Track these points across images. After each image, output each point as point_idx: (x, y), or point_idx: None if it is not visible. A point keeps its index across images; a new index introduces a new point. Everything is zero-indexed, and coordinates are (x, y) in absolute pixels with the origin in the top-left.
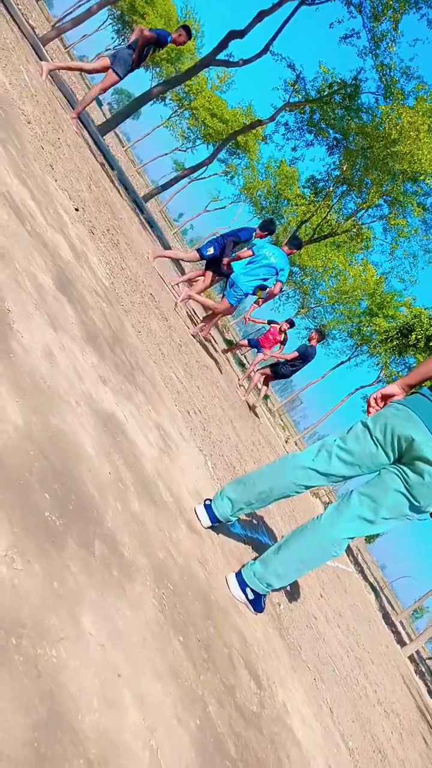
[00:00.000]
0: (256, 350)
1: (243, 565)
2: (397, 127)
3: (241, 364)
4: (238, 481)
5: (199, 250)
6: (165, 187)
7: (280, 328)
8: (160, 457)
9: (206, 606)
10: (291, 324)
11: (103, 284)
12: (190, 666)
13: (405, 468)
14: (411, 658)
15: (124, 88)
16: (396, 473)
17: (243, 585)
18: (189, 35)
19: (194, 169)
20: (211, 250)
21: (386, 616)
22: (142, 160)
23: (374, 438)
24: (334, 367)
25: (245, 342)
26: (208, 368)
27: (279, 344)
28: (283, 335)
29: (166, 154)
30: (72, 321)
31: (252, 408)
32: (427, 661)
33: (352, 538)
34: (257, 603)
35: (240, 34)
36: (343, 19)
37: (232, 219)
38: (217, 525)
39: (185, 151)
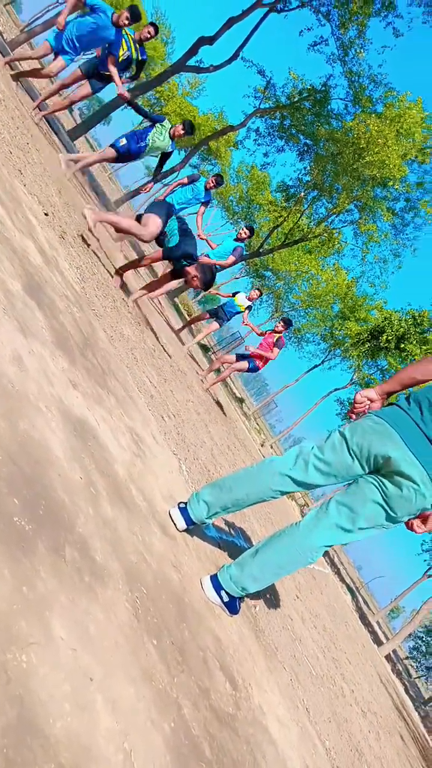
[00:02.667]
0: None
1: (219, 568)
2: (366, 135)
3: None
4: (214, 485)
5: (113, 145)
6: (137, 192)
7: (274, 330)
8: (132, 462)
9: (180, 609)
10: (287, 322)
11: (73, 289)
12: (163, 669)
13: (383, 479)
14: (388, 657)
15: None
16: (374, 484)
17: (218, 587)
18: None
19: (166, 174)
20: (123, 141)
21: (363, 617)
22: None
23: (351, 450)
24: (308, 371)
25: (234, 363)
26: (182, 372)
27: (276, 348)
28: (276, 336)
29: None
30: (42, 326)
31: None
32: (404, 660)
33: (330, 546)
34: (232, 605)
35: (210, 40)
36: (312, 27)
37: (204, 224)
38: (192, 527)
39: (157, 156)
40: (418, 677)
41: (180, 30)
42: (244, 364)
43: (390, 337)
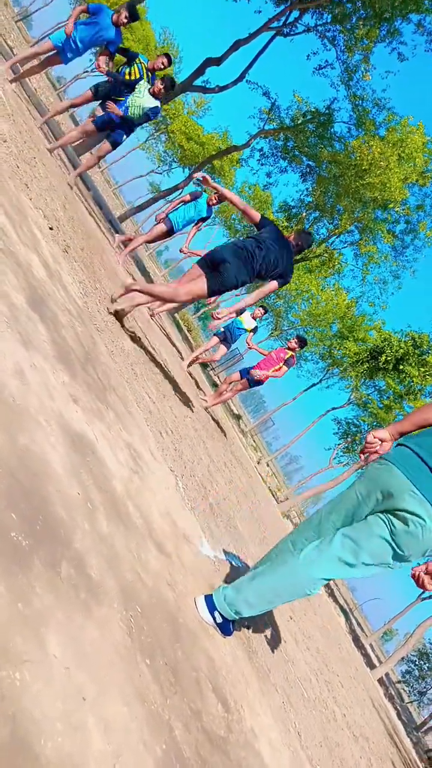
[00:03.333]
0: (247, 377)
1: (214, 588)
2: (368, 157)
3: (214, 385)
4: (243, 580)
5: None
6: (141, 208)
7: (288, 347)
8: (130, 478)
9: (174, 629)
10: (302, 341)
11: (76, 303)
12: (156, 689)
13: (391, 516)
14: (380, 681)
15: None
16: (382, 519)
17: (212, 608)
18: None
19: (170, 191)
20: (100, 112)
21: (356, 639)
22: (117, 181)
23: (357, 493)
24: (306, 389)
25: (235, 377)
26: (180, 388)
27: (283, 364)
28: (289, 353)
29: (143, 176)
30: (44, 339)
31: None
32: (396, 684)
33: (329, 579)
34: (225, 627)
35: (217, 61)
36: (318, 51)
37: (206, 242)
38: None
39: (161, 173)
40: (410, 702)
41: (187, 50)
42: (246, 383)
43: (389, 358)
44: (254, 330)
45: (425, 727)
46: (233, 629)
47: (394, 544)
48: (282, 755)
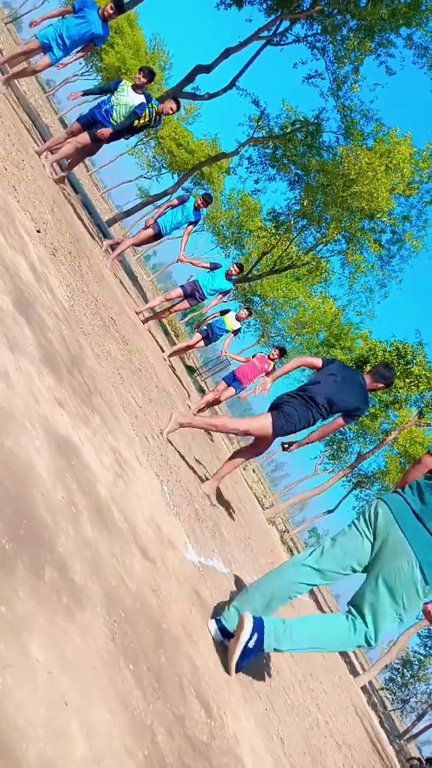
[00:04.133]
0: (232, 385)
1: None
2: (356, 167)
3: (201, 390)
4: (242, 594)
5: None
6: (129, 213)
7: (269, 356)
8: (115, 482)
9: (158, 634)
10: (282, 351)
11: (63, 306)
12: (139, 695)
13: (385, 575)
14: (364, 688)
15: None
16: (384, 585)
17: (261, 635)
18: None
19: (159, 197)
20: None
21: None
22: (106, 185)
23: (359, 530)
24: None
25: (222, 387)
26: (167, 393)
27: (265, 375)
28: (272, 364)
29: (131, 180)
30: (30, 343)
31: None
32: (379, 691)
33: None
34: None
35: (207, 68)
36: (307, 61)
37: (194, 247)
38: (227, 638)
39: (150, 178)
40: (394, 710)
41: (178, 57)
42: (233, 391)
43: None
44: (237, 332)
45: (408, 735)
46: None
47: (399, 602)
48: (265, 762)
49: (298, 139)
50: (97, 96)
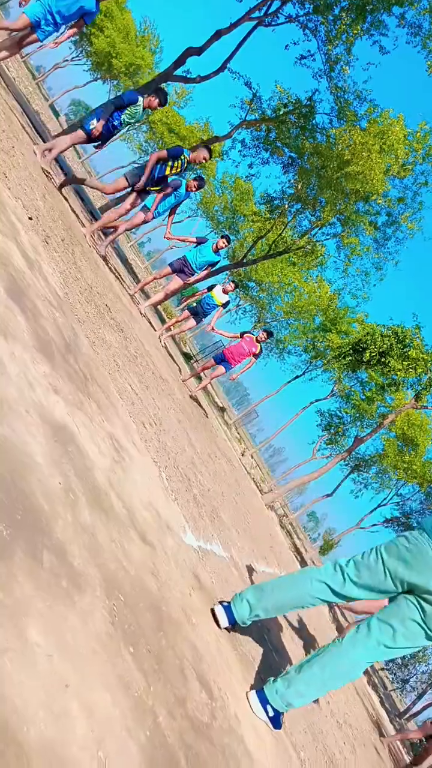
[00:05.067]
0: (221, 365)
1: (264, 682)
2: (350, 147)
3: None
4: (257, 587)
5: (82, 127)
6: (121, 199)
7: (257, 339)
8: (112, 468)
9: (158, 617)
10: (269, 334)
11: (56, 294)
12: (140, 677)
13: (420, 600)
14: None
15: (81, 100)
16: (413, 603)
17: (264, 702)
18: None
19: None
20: (94, 123)
21: (339, 628)
22: (98, 172)
23: (386, 570)
24: (289, 381)
25: (211, 364)
26: (164, 380)
27: (252, 356)
28: (259, 347)
29: (123, 166)
30: (23, 330)
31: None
32: (379, 672)
33: (371, 662)
34: (276, 720)
35: (198, 51)
36: (299, 41)
37: (188, 233)
38: (235, 626)
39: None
40: (393, 689)
41: (168, 40)
42: (222, 370)
43: (373, 354)
44: (225, 304)
45: (408, 714)
46: (282, 723)
47: (425, 626)
48: (266, 741)
49: (291, 122)
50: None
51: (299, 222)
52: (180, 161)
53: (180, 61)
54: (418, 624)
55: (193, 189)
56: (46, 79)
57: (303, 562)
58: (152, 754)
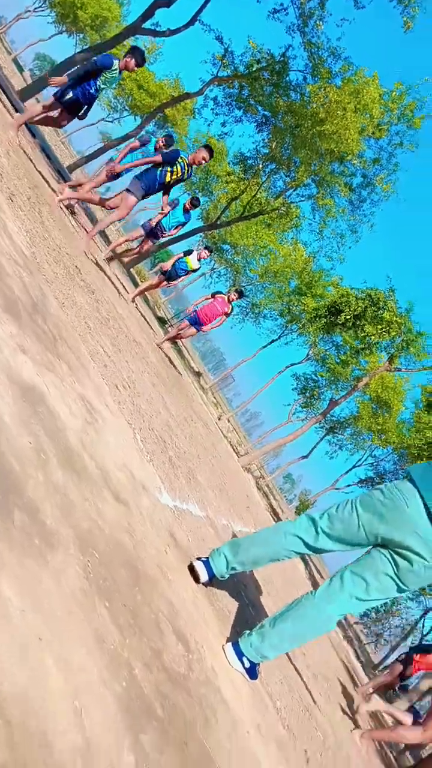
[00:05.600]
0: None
1: (240, 635)
2: (325, 106)
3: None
4: (234, 542)
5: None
6: (91, 157)
7: (228, 298)
8: (84, 429)
9: (133, 574)
10: (240, 294)
11: (23, 253)
12: (115, 631)
13: (394, 555)
14: (339, 624)
15: (46, 54)
16: (386, 557)
17: (240, 654)
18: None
19: (121, 140)
20: (69, 94)
21: (315, 585)
22: (66, 130)
23: (360, 522)
24: (265, 346)
25: (185, 324)
26: (137, 343)
27: (224, 315)
28: (230, 306)
29: (93, 124)
30: None
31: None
32: (354, 626)
33: (344, 614)
34: (252, 671)
35: (167, 3)
36: None
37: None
38: (213, 580)
39: (112, 122)
40: (368, 643)
41: None
42: (193, 330)
43: (348, 317)
44: (196, 270)
45: (381, 666)
46: (258, 673)
47: (398, 580)
48: (242, 692)
49: (264, 79)
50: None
51: (274, 183)
52: (179, 165)
53: (148, 14)
54: (391, 578)
55: (162, 147)
56: (8, 31)
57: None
58: (128, 704)
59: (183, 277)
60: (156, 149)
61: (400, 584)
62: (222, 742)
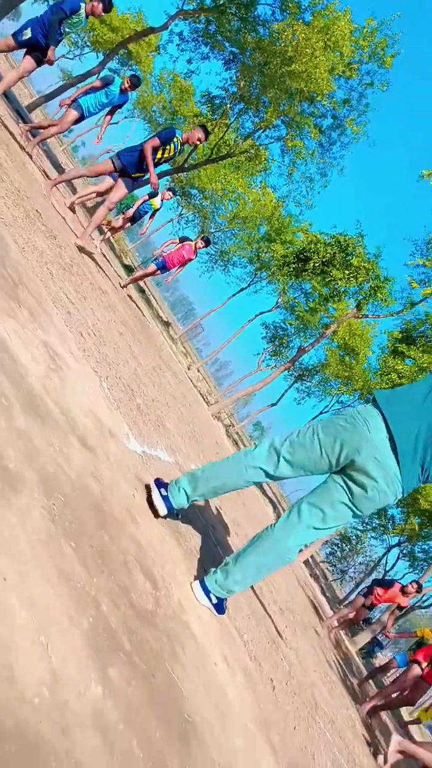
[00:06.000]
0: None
1: (206, 572)
2: (293, 44)
3: (141, 291)
4: (192, 475)
5: (14, 36)
6: (50, 96)
7: (195, 245)
8: (48, 376)
9: (100, 516)
10: (207, 242)
11: None
12: (82, 570)
13: (348, 481)
14: (306, 562)
15: None
16: (341, 485)
17: (206, 591)
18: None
19: (82, 78)
20: (27, 33)
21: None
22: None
23: (322, 447)
24: (234, 294)
25: (152, 268)
26: (103, 292)
27: (189, 260)
28: (195, 254)
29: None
30: None
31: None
32: (320, 564)
33: (303, 544)
34: (220, 606)
35: None
36: None
37: (125, 135)
38: (172, 512)
39: (72, 59)
40: (334, 580)
41: None
42: (153, 267)
43: (317, 263)
44: (158, 210)
45: (347, 601)
46: (226, 607)
47: (353, 507)
48: (210, 626)
49: (231, 13)
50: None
51: (242, 123)
52: (173, 144)
53: None
54: (346, 505)
55: (128, 89)
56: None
57: None
58: (95, 639)
59: (148, 220)
60: (122, 90)
61: (355, 510)
62: (189, 673)
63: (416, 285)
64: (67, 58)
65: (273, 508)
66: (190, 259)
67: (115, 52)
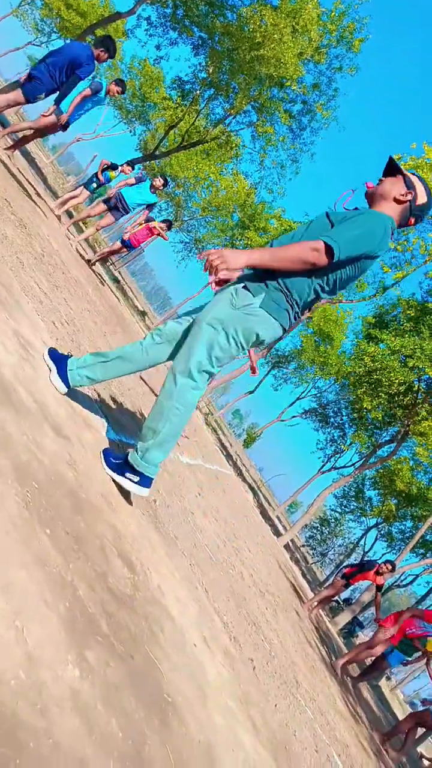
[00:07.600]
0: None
1: (126, 453)
2: (261, 29)
3: (116, 280)
4: (93, 368)
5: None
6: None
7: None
8: (20, 365)
9: (76, 503)
10: (169, 225)
11: None
12: (58, 556)
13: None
14: (287, 546)
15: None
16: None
17: (130, 472)
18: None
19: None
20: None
21: (264, 512)
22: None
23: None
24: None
25: (117, 245)
26: (77, 282)
27: (152, 236)
28: (158, 229)
29: (19, 48)
30: None
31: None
32: (301, 548)
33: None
34: (145, 481)
35: None
36: None
37: (96, 123)
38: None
39: (40, 45)
40: (314, 563)
41: None
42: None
43: None
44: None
45: (327, 584)
46: (149, 485)
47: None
48: (189, 608)
49: None
50: None
51: (212, 110)
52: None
53: None
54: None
55: (116, 94)
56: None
57: (228, 457)
58: (72, 622)
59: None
60: (109, 95)
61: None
62: (169, 654)
63: (388, 269)
64: (34, 45)
65: (253, 495)
66: (159, 235)
67: (83, 38)
